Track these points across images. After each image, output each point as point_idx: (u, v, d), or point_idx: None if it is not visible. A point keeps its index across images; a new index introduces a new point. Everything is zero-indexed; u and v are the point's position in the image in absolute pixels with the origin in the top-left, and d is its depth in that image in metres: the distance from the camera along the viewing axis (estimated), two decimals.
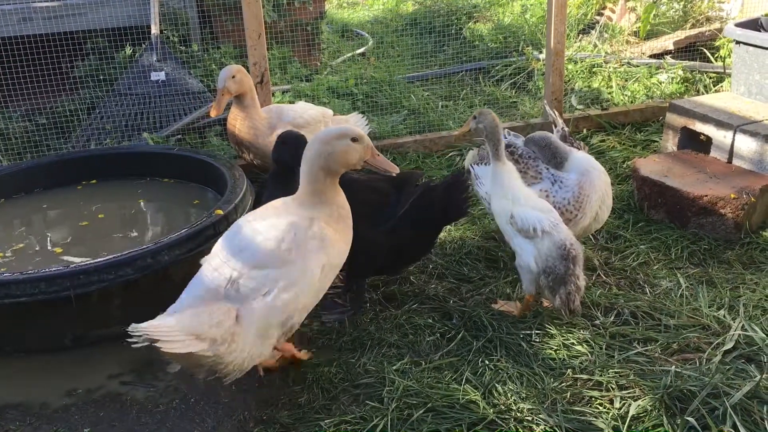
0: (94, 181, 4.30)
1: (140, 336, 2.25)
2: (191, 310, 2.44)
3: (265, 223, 2.63)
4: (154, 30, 5.48)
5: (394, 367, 2.90)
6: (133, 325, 2.26)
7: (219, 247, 2.66)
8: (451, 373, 2.86)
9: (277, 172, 3.41)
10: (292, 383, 2.92)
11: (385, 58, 6.90)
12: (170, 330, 2.31)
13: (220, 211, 3.40)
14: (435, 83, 6.33)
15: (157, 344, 2.26)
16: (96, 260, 3.05)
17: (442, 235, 3.97)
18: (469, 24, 7.57)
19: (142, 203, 4.11)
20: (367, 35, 7.65)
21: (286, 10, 6.19)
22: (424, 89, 6.09)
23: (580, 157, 3.36)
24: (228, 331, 2.42)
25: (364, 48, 7.15)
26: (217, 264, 2.57)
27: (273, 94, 5.28)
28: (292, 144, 3.33)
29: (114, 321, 3.16)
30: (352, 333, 3.18)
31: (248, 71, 4.55)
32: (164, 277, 3.24)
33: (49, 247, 3.68)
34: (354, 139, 2.70)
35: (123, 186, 4.25)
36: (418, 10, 8.26)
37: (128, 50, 5.66)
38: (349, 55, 6.92)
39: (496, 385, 2.76)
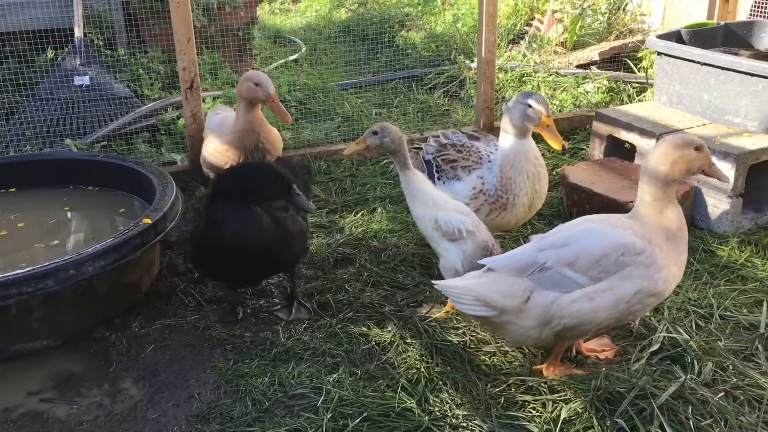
0: (13, 189, 4.10)
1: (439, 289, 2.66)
2: (493, 276, 2.67)
3: (600, 230, 2.66)
4: (78, 33, 5.30)
5: (329, 377, 2.87)
6: (434, 281, 2.71)
7: (564, 229, 2.76)
8: (387, 381, 2.85)
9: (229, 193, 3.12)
10: (223, 396, 2.85)
11: (318, 65, 6.87)
12: (463, 293, 2.63)
13: (148, 220, 3.29)
14: (368, 90, 6.34)
15: (452, 302, 2.65)
16: (14, 272, 2.90)
17: (376, 242, 3.96)
18: (402, 32, 7.62)
19: (64, 212, 3.95)
20: (299, 42, 7.60)
21: (217, 15, 6.08)
22: (357, 96, 6.09)
23: (506, 139, 3.39)
24: (517, 305, 2.62)
25: (297, 54, 7.10)
26: (542, 245, 2.69)
27: (203, 100, 5.18)
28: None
29: (34, 335, 3.02)
30: (285, 343, 3.13)
31: (177, 76, 4.46)
32: (88, 288, 3.12)
33: None
34: (697, 149, 2.69)
35: (44, 194, 4.07)
36: (351, 18, 8.27)
37: (50, 53, 5.45)
38: (282, 61, 6.85)
39: (432, 392, 2.76)
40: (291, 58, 6.99)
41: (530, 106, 3.24)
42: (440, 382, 2.82)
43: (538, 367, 2.89)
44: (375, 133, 3.22)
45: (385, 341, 3.10)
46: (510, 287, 2.63)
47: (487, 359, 2.96)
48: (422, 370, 2.89)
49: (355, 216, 4.26)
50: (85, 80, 5.14)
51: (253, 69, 6.37)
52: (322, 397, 2.74)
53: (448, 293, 2.66)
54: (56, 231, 3.83)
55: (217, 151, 4.03)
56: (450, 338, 3.08)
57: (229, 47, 6.15)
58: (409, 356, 2.99)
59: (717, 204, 3.93)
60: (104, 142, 4.94)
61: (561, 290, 2.62)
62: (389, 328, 3.20)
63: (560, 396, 2.71)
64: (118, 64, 5.67)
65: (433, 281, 2.69)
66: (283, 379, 2.88)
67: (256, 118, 3.98)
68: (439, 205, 3.14)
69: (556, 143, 3.28)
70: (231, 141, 3.99)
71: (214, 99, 5.53)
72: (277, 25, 8.84)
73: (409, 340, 3.09)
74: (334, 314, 3.33)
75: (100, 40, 5.76)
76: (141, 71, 5.68)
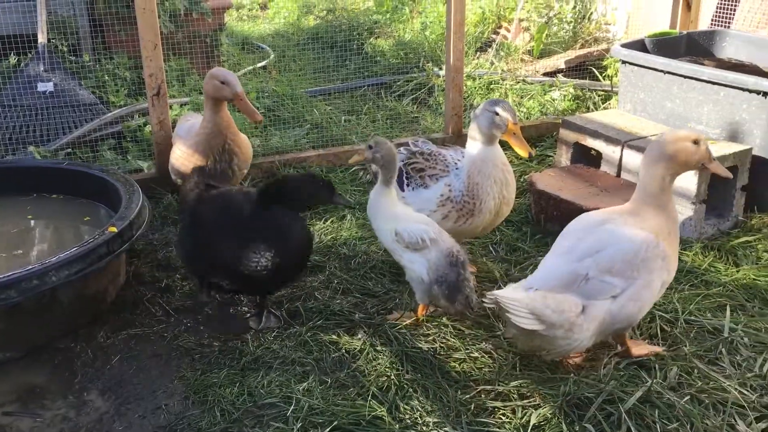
0: None
1: (492, 300, 2.64)
2: (542, 293, 2.68)
3: (624, 231, 2.74)
4: (42, 39, 5.21)
5: (299, 386, 2.85)
6: (490, 292, 2.66)
7: (573, 235, 2.85)
8: (357, 390, 2.84)
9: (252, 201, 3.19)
10: (191, 406, 2.81)
11: (287, 71, 6.85)
12: (518, 305, 2.63)
13: (114, 229, 3.25)
14: (337, 98, 6.33)
15: (505, 313, 2.65)
16: None
17: (346, 249, 3.96)
18: (371, 40, 7.64)
19: (28, 221, 3.87)
20: (268, 48, 7.57)
21: (184, 21, 6.03)
22: (326, 103, 6.08)
23: (473, 146, 3.42)
24: (568, 320, 2.65)
25: (265, 61, 7.07)
26: (576, 256, 2.75)
27: (170, 107, 5.13)
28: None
29: None
30: (255, 352, 3.11)
31: (143, 82, 4.41)
32: (52, 299, 3.07)
33: None
34: (695, 142, 2.80)
35: (7, 202, 3.98)
36: (319, 25, 8.26)
37: (13, 60, 5.35)
38: (250, 68, 6.82)
39: (402, 399, 2.76)
40: (259, 64, 6.96)
41: (497, 114, 3.27)
42: (411, 390, 2.82)
43: (621, 352, 2.96)
44: (370, 147, 3.26)
45: (356, 349, 3.10)
46: (560, 304, 2.66)
47: (457, 366, 2.97)
48: (393, 377, 2.88)
49: (324, 223, 4.24)
50: (49, 87, 5.05)
51: None
52: (292, 407, 2.72)
53: (504, 304, 2.63)
54: (19, 240, 3.75)
55: (183, 156, 3.99)
56: (420, 345, 3.08)
57: (197, 54, 6.10)
58: (379, 364, 2.98)
59: (681, 210, 4.00)
60: (69, 150, 4.86)
61: (605, 297, 2.71)
62: (359, 336, 3.19)
63: (530, 402, 2.73)
64: (83, 70, 5.58)
65: (493, 292, 2.65)
66: (252, 389, 2.86)
67: (223, 119, 3.92)
68: (399, 219, 3.15)
69: (522, 150, 3.31)
70: (197, 143, 3.94)
71: (181, 106, 5.48)
72: (245, 31, 8.79)
73: (379, 348, 3.09)
74: (304, 322, 3.31)
75: (65, 46, 5.67)
76: (106, 77, 5.60)
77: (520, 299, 2.65)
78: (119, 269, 3.57)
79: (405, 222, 3.13)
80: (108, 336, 3.27)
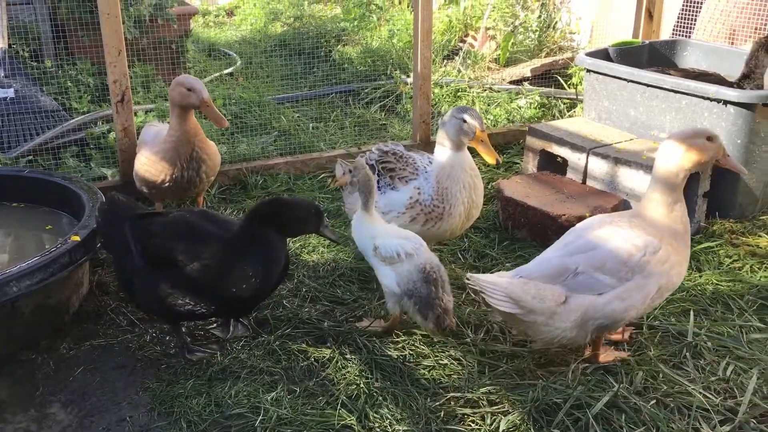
0: None
1: (472, 283, 2.75)
2: (524, 280, 2.78)
3: (622, 233, 2.80)
4: (2, 44, 5.11)
5: (267, 396, 2.82)
6: (470, 274, 2.78)
7: (575, 233, 2.92)
8: (326, 398, 2.82)
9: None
10: (157, 418, 2.76)
11: (254, 78, 6.80)
12: (495, 289, 2.73)
13: (77, 237, 3.18)
14: (305, 105, 6.31)
15: (480, 295, 2.75)
16: None
17: (314, 257, 3.94)
18: (339, 47, 7.64)
19: None
20: (235, 55, 7.52)
21: (149, 27, 5.95)
22: (294, 111, 6.06)
23: (442, 152, 3.44)
24: (549, 308, 2.73)
25: (232, 68, 7.02)
26: (569, 251, 2.83)
27: (135, 114, 5.06)
28: None
29: None
30: (222, 362, 3.07)
31: (107, 89, 4.34)
32: (12, 310, 2.99)
33: None
34: (709, 138, 2.83)
35: None
36: (286, 32, 8.23)
37: None
38: (217, 74, 6.76)
39: (372, 408, 2.75)
40: (226, 71, 6.90)
41: (465, 121, 3.29)
42: (380, 398, 2.81)
43: (588, 356, 3.00)
44: (350, 171, 3.30)
45: (325, 357, 3.08)
46: (541, 291, 2.75)
47: (426, 373, 2.96)
48: (362, 385, 2.87)
49: None
50: (10, 93, 4.94)
51: None
52: (260, 417, 2.69)
53: (480, 287, 2.74)
54: None
55: (150, 163, 3.93)
56: (389, 353, 3.07)
57: (162, 60, 6.03)
58: (348, 372, 2.97)
59: None
60: (30, 157, 4.76)
61: (592, 293, 2.78)
62: (328, 344, 3.17)
63: (499, 408, 2.74)
64: (44, 76, 5.48)
65: (473, 275, 2.77)
66: (219, 399, 2.82)
67: (190, 127, 3.88)
68: (379, 235, 3.15)
69: (489, 157, 3.34)
70: (165, 151, 3.89)
71: (146, 112, 5.41)
72: (211, 38, 8.72)
73: (348, 356, 3.07)
74: (272, 331, 3.28)
75: (26, 52, 5.57)
76: (69, 84, 5.51)
77: (498, 283, 2.75)
78: (82, 279, 3.50)
79: (385, 237, 3.13)
80: (71, 347, 3.21)
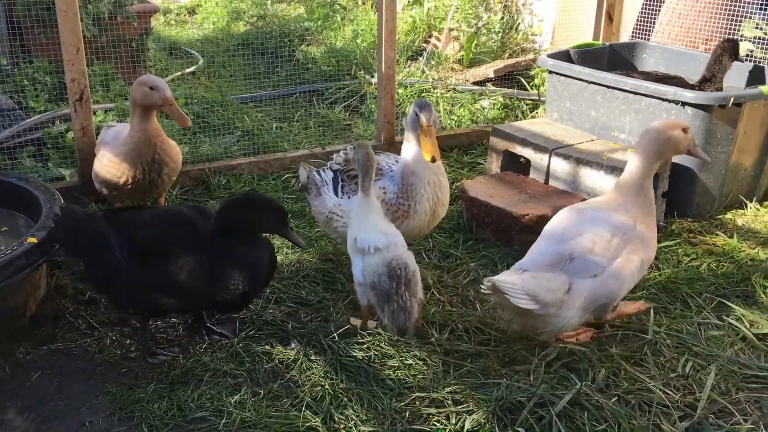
0: None
1: (490, 286, 2.76)
2: (532, 274, 2.87)
3: (602, 215, 3.03)
4: None
5: (231, 399, 2.78)
6: (488, 278, 2.78)
7: (561, 220, 3.09)
8: (291, 400, 2.80)
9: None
10: (117, 423, 2.71)
11: (216, 78, 6.73)
12: (515, 287, 2.78)
13: (34, 239, 3.11)
14: (269, 105, 6.26)
15: (503, 296, 2.78)
16: None
17: (279, 257, 3.90)
18: (302, 47, 7.60)
19: None
20: (197, 54, 7.42)
21: (108, 25, 5.85)
22: (257, 110, 6.00)
23: (407, 149, 3.46)
24: (559, 298, 2.84)
25: (194, 67, 6.93)
26: (558, 238, 2.99)
27: (95, 113, 4.96)
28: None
29: None
30: (184, 365, 3.02)
31: (65, 87, 4.25)
32: None
33: None
34: (684, 130, 3.16)
35: None
36: (249, 31, 8.16)
37: None
38: (179, 73, 6.67)
39: (337, 409, 2.74)
40: (188, 70, 6.81)
41: (416, 114, 3.33)
42: (345, 399, 2.80)
43: (569, 337, 3.12)
44: (353, 148, 3.34)
45: (289, 359, 3.05)
46: (550, 282, 2.86)
47: (391, 373, 2.96)
48: (327, 387, 2.86)
49: None
50: None
51: None
52: (224, 420, 2.66)
53: (502, 287, 2.78)
54: None
55: (110, 164, 3.86)
56: (354, 354, 3.06)
57: (122, 58, 5.92)
58: (313, 374, 2.95)
59: None
60: None
61: (588, 275, 2.93)
62: (293, 346, 3.15)
63: (464, 407, 2.75)
64: (0, 74, 5.34)
65: (490, 278, 2.78)
66: (181, 403, 2.78)
67: (152, 127, 3.83)
68: (362, 227, 3.17)
69: (426, 153, 3.32)
70: (126, 152, 3.83)
71: (105, 111, 5.31)
72: (173, 36, 8.60)
73: (313, 357, 3.05)
74: (236, 333, 3.24)
75: None
76: (26, 82, 5.38)
77: (515, 281, 2.82)
78: (39, 281, 3.42)
79: (366, 231, 3.15)
80: (27, 352, 3.13)
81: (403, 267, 3.05)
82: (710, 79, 4.57)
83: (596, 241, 2.95)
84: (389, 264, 3.04)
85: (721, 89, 4.53)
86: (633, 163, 3.13)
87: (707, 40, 5.64)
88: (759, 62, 5.05)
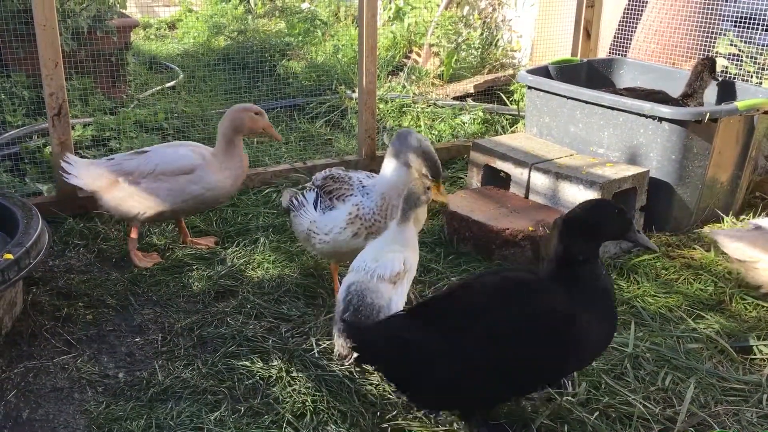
0: None
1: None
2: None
3: None
4: None
5: (211, 416, 2.76)
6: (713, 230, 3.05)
7: None
8: (272, 417, 2.77)
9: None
10: None
11: (197, 92, 6.71)
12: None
13: (10, 256, 3.06)
14: None
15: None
16: None
17: (259, 273, 3.88)
18: (283, 61, 7.61)
19: None
20: (177, 68, 7.40)
21: (87, 39, 5.81)
22: None
23: (387, 166, 3.48)
24: None
25: (174, 81, 6.91)
26: None
27: (73, 128, 4.92)
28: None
29: None
30: (163, 382, 2.99)
31: (43, 102, 4.21)
32: None
33: None
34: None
35: None
36: (230, 46, 8.15)
37: None
38: (159, 88, 6.64)
39: (319, 425, 2.72)
40: (168, 84, 6.79)
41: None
42: (327, 415, 2.78)
43: None
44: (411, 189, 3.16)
45: (270, 375, 3.03)
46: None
47: (373, 389, 2.95)
48: (308, 403, 2.84)
49: (236, 247, 4.16)
50: None
51: (127, 95, 6.14)
52: None
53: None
54: None
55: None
56: (336, 370, 3.04)
57: (102, 73, 5.89)
58: (294, 390, 2.93)
59: None
60: None
61: None
62: (274, 362, 3.13)
63: (446, 423, 2.74)
64: None
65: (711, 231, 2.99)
66: (160, 421, 2.74)
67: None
68: (369, 249, 3.18)
69: (442, 198, 3.41)
70: (235, 179, 4.07)
71: (84, 126, 5.27)
72: (153, 50, 8.57)
73: (294, 374, 3.03)
74: (216, 349, 3.21)
75: None
76: (3, 96, 5.32)
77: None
78: (15, 298, 3.37)
79: (367, 250, 3.17)
80: (3, 369, 3.07)
81: (357, 294, 2.98)
82: (692, 95, 4.68)
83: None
84: (348, 287, 3.03)
85: (702, 104, 4.60)
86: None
87: (686, 56, 5.74)
88: (732, 78, 5.14)
